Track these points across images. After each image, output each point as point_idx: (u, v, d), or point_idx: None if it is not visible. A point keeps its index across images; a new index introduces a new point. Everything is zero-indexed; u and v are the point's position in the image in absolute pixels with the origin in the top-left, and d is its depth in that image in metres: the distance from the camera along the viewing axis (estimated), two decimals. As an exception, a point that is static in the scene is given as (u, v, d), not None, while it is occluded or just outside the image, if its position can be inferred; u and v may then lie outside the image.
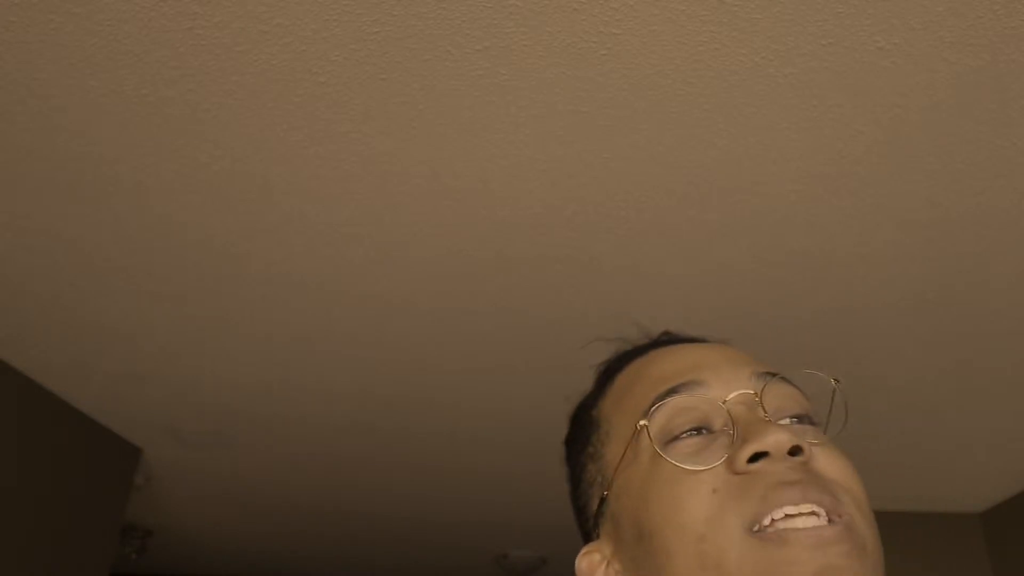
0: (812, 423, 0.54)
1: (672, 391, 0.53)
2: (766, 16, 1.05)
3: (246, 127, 1.28)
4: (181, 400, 2.28)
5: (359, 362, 2.03)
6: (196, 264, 1.65)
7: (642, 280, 1.64)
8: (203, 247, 1.60)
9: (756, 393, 0.52)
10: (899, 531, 2.73)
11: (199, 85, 1.20)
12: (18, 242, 1.60)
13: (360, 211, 1.47)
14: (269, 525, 3.50)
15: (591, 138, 1.28)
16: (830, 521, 0.46)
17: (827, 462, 0.50)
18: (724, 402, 0.51)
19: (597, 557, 0.56)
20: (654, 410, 0.52)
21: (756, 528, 0.46)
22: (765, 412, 0.50)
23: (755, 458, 0.48)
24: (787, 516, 0.45)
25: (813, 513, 0.46)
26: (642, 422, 0.52)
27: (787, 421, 0.53)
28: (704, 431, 0.52)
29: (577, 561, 0.57)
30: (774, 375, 0.54)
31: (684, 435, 0.51)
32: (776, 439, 0.47)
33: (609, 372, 0.63)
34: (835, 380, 0.56)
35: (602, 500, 0.56)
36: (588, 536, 0.59)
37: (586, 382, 0.67)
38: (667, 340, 0.63)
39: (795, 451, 0.48)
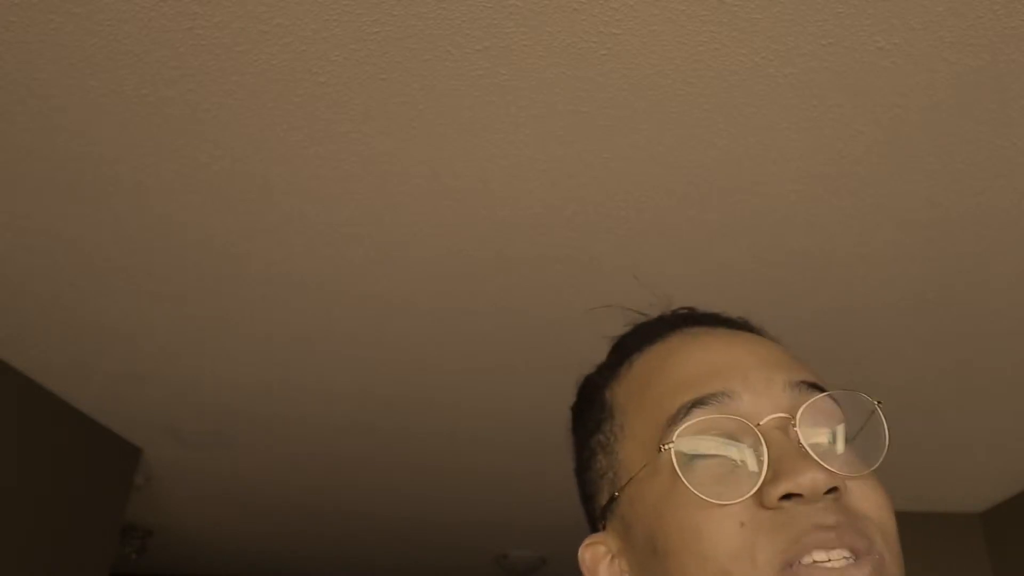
0: (847, 442, 0.51)
1: (698, 402, 0.50)
2: (766, 16, 1.05)
3: (246, 127, 1.28)
4: (181, 400, 2.28)
5: (359, 362, 2.03)
6: (196, 264, 1.65)
7: (642, 280, 1.63)
8: (203, 247, 1.59)
9: (792, 418, 0.49)
10: (899, 531, 2.72)
11: (199, 85, 1.20)
12: (18, 242, 1.60)
13: (360, 211, 1.47)
14: (269, 525, 3.50)
15: (591, 138, 1.28)
16: (857, 558, 0.45)
17: (861, 496, 0.48)
18: (757, 426, 0.49)
19: (602, 550, 0.55)
20: (679, 432, 0.50)
21: (787, 569, 0.45)
22: (801, 440, 0.48)
23: (788, 495, 0.46)
24: (816, 562, 0.45)
25: (843, 557, 0.45)
26: (667, 445, 0.49)
27: (824, 439, 0.50)
28: (731, 445, 0.50)
29: (581, 551, 0.56)
30: (808, 385, 0.51)
31: (709, 456, 0.49)
32: (812, 480, 0.45)
33: (626, 350, 0.59)
34: (878, 402, 0.54)
35: (612, 498, 0.54)
36: (592, 521, 0.57)
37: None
38: (690, 318, 0.60)
39: (831, 491, 0.46)
